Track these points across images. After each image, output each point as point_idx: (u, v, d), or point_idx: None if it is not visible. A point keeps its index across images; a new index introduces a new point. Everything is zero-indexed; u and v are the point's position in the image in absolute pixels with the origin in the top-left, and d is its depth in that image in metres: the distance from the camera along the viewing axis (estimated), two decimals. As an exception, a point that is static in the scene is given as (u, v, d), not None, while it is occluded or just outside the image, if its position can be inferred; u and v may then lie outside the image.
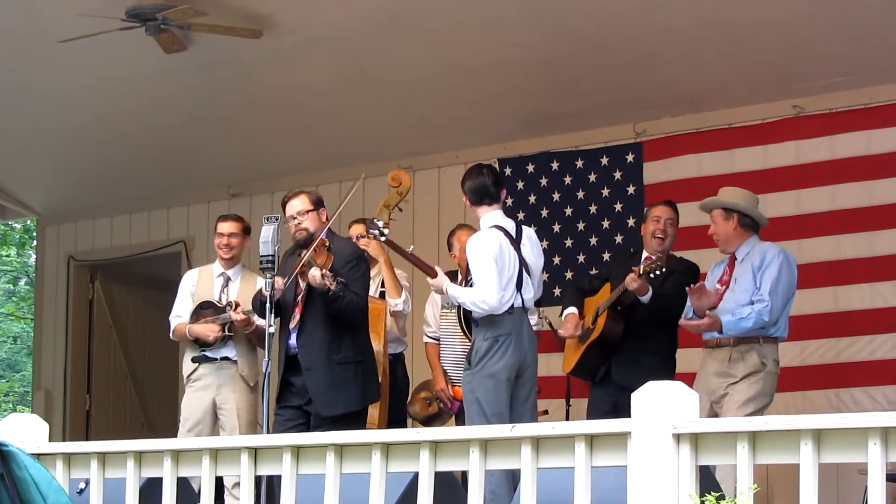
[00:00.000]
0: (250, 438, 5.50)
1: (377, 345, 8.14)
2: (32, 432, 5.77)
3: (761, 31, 8.74)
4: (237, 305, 8.22)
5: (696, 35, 8.88)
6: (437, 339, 8.63)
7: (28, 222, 20.15)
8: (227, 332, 8.27)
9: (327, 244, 7.59)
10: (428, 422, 8.63)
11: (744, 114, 9.56)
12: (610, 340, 7.91)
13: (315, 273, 7.34)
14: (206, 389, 8.35)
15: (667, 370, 7.72)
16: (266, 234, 7.18)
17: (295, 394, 7.60)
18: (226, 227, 8.51)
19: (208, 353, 8.34)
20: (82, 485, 5.95)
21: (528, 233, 7.60)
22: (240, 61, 9.88)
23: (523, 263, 7.40)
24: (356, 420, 7.61)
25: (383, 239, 7.89)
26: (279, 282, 7.35)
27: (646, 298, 7.78)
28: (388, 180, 8.47)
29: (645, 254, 8.13)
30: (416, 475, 4.86)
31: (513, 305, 7.32)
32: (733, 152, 9.58)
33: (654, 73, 9.41)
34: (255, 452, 5.21)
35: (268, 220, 7.33)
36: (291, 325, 7.63)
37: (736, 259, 7.65)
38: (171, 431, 11.31)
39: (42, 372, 13.58)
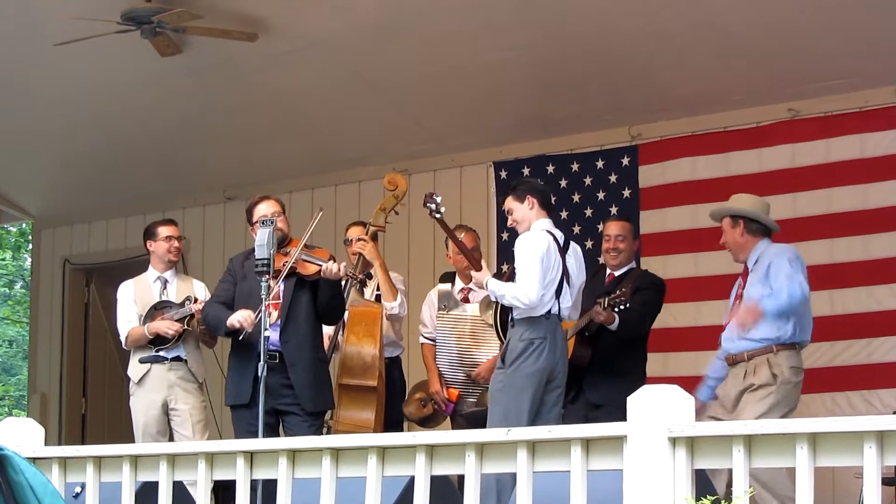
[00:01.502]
0: (247, 442, 5.50)
1: (374, 349, 8.14)
2: (28, 436, 5.76)
3: (756, 35, 8.74)
4: (196, 299, 8.32)
5: (691, 39, 8.88)
6: (434, 340, 8.63)
7: (23, 226, 20.12)
8: (185, 326, 8.32)
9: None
10: (423, 423, 8.65)
11: (739, 117, 9.57)
12: (579, 365, 7.96)
13: (332, 266, 7.51)
14: (157, 391, 8.37)
15: (635, 385, 7.66)
16: (262, 238, 7.20)
17: (267, 394, 7.35)
18: (172, 230, 8.65)
19: (163, 354, 8.37)
20: (78, 489, 5.95)
21: (575, 247, 7.70)
22: (235, 65, 9.87)
23: (566, 272, 7.48)
24: (322, 419, 7.85)
25: (438, 216, 7.91)
26: (251, 318, 7.44)
27: (614, 327, 7.88)
28: (384, 183, 8.48)
29: (608, 271, 8.25)
30: (412, 479, 4.86)
31: (549, 311, 7.39)
32: (728, 155, 9.59)
33: (650, 76, 9.42)
34: (251, 456, 5.21)
35: (263, 223, 7.35)
36: (270, 322, 7.44)
37: (748, 268, 7.52)
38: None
39: (38, 375, 13.57)
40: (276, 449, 5.15)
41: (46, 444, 5.88)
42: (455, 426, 8.45)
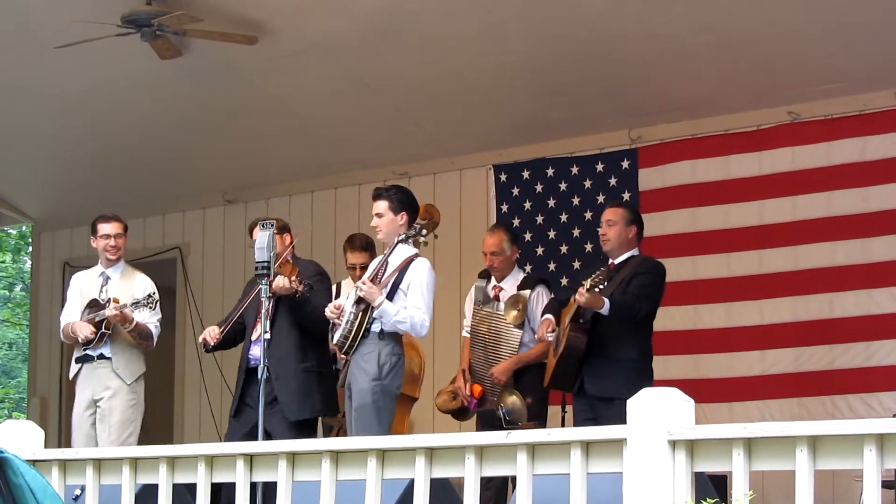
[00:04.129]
0: (247, 445, 5.51)
1: (420, 359, 8.39)
2: (28, 439, 5.77)
3: (756, 38, 8.74)
4: (115, 300, 8.32)
5: (691, 42, 8.88)
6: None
7: (23, 228, 20.14)
8: (103, 330, 8.31)
9: (290, 262, 7.86)
10: (454, 415, 8.68)
11: (739, 120, 9.56)
12: (575, 353, 7.83)
13: (279, 280, 7.59)
14: (86, 389, 8.42)
15: (639, 376, 7.58)
16: (261, 241, 7.24)
17: (252, 404, 7.67)
18: (110, 227, 8.61)
19: (88, 352, 8.40)
20: (78, 491, 5.96)
21: None
22: (235, 68, 9.88)
23: None
24: (314, 427, 8.04)
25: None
26: (213, 332, 7.95)
27: (605, 311, 7.58)
28: (420, 213, 8.46)
29: (610, 260, 8.06)
30: (412, 482, 4.86)
31: None
32: (729, 158, 9.58)
33: (650, 79, 9.42)
34: (250, 459, 5.21)
35: (263, 226, 7.37)
36: (254, 338, 7.82)
37: None
38: (167, 438, 11.33)
39: (37, 378, 13.58)
40: (275, 451, 5.16)
41: (46, 446, 5.89)
42: (476, 422, 8.53)
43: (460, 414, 8.67)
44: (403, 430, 8.29)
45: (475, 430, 8.40)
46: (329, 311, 7.60)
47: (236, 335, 8.10)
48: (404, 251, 7.55)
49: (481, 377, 8.44)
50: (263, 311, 7.21)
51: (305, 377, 7.85)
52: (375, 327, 7.42)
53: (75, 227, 13.26)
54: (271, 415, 7.64)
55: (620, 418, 7.52)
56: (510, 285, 8.51)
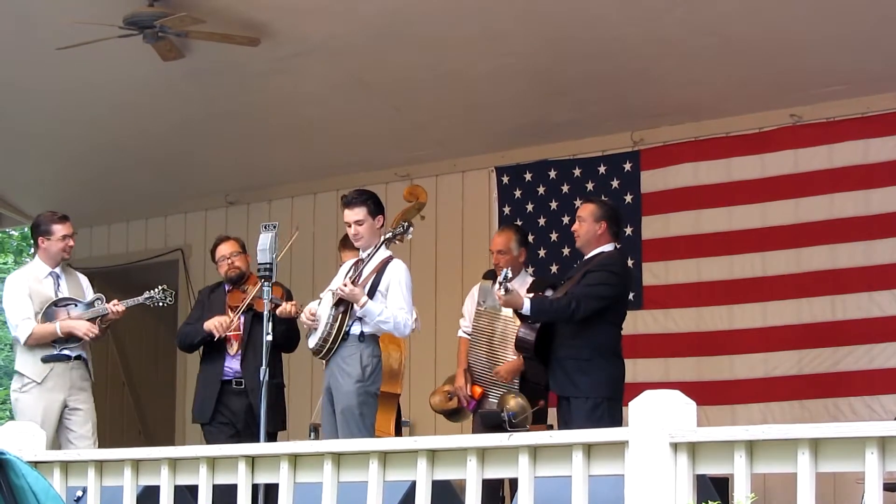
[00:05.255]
0: (249, 447, 5.51)
1: (400, 354, 8.32)
2: (29, 440, 5.77)
3: (758, 41, 8.74)
4: (105, 299, 8.41)
5: (693, 44, 8.88)
6: (470, 335, 8.63)
7: (25, 230, 20.13)
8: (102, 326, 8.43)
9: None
10: (449, 416, 8.68)
11: (741, 122, 9.57)
12: (524, 351, 7.89)
13: (287, 307, 8.10)
14: (57, 390, 8.32)
15: (593, 375, 7.62)
16: (264, 242, 7.32)
17: (227, 414, 8.41)
18: (67, 228, 8.68)
19: (67, 352, 8.33)
20: (79, 493, 5.96)
21: None
22: (237, 69, 9.87)
23: None
24: (275, 439, 8.28)
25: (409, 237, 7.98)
26: (225, 321, 8.35)
27: (525, 310, 7.59)
28: (405, 195, 8.45)
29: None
30: (414, 484, 4.86)
31: None
32: (731, 161, 9.59)
33: (652, 82, 9.41)
34: (252, 461, 5.21)
35: (265, 228, 7.42)
36: (232, 353, 8.41)
37: None
38: (169, 440, 11.32)
39: (39, 380, 13.55)
40: (277, 453, 5.16)
41: (48, 447, 5.89)
42: (473, 424, 8.50)
43: (455, 415, 8.66)
44: (390, 428, 8.22)
45: (472, 432, 8.40)
46: (305, 317, 7.64)
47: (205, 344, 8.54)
48: (379, 253, 7.59)
49: (481, 378, 8.43)
50: (266, 314, 7.25)
51: (276, 392, 8.13)
52: (355, 329, 7.44)
53: (77, 229, 13.21)
54: (245, 426, 8.16)
55: (579, 417, 7.59)
56: (517, 287, 8.47)
